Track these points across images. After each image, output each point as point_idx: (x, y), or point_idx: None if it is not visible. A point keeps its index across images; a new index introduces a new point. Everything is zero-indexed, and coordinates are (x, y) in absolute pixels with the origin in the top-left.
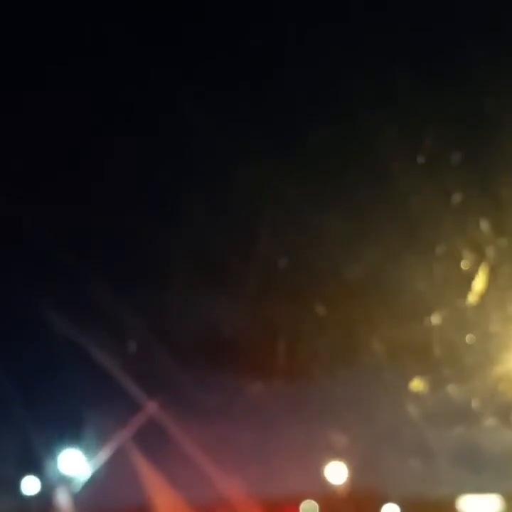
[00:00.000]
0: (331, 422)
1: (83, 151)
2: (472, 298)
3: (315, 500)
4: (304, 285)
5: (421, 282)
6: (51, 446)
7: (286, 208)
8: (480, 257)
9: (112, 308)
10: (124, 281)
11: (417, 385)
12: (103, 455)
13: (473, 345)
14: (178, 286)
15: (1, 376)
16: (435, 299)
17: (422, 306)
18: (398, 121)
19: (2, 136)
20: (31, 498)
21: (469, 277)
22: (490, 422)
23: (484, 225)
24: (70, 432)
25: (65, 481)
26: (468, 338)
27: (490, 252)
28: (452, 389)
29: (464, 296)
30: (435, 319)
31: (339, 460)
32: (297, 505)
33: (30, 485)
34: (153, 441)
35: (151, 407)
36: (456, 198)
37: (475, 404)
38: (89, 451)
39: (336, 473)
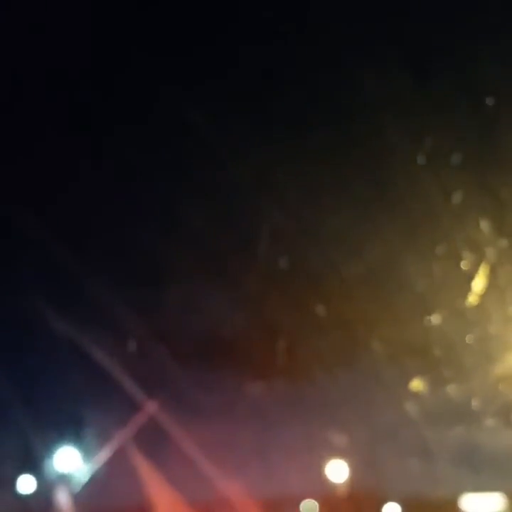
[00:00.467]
0: (331, 421)
1: (83, 151)
2: (472, 298)
3: (315, 499)
4: (304, 285)
5: (421, 282)
6: (50, 445)
7: (286, 208)
8: (480, 257)
9: (112, 308)
10: (124, 281)
11: (417, 384)
12: (103, 455)
13: (473, 345)
14: (179, 287)
15: (1, 375)
16: (435, 299)
17: (422, 306)
18: (398, 122)
19: (1, 136)
20: (28, 496)
21: (469, 277)
22: (490, 421)
23: (484, 225)
24: (70, 431)
25: (64, 479)
26: (468, 338)
27: (490, 252)
28: (452, 389)
29: (464, 296)
30: (435, 319)
31: (340, 459)
32: (297, 504)
33: (26, 484)
34: (153, 442)
35: (151, 407)
36: (456, 198)
37: (475, 404)
38: (89, 450)
39: (337, 472)
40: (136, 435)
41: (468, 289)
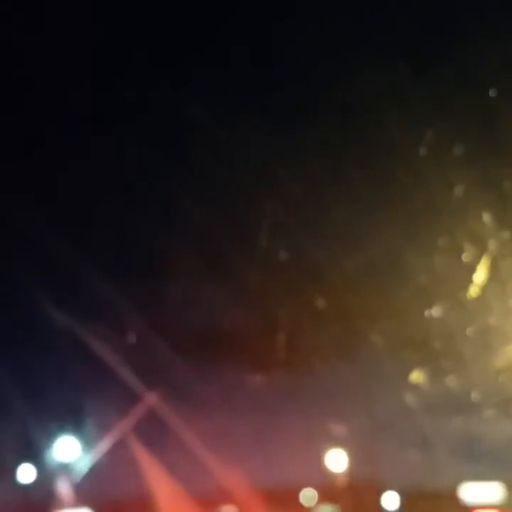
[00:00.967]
0: (331, 412)
1: (84, 147)
2: (473, 290)
3: (315, 488)
4: (304, 278)
5: (422, 274)
6: (50, 435)
7: (286, 201)
8: (481, 250)
9: (113, 300)
10: (124, 273)
11: (417, 376)
12: (103, 445)
13: (474, 337)
14: (179, 279)
15: (1, 366)
16: (436, 291)
17: (422, 298)
18: (400, 114)
19: (4, 134)
20: (28, 486)
21: (470, 270)
22: (489, 412)
23: (486, 218)
24: (70, 422)
25: (64, 469)
26: (469, 330)
27: (491, 244)
28: (452, 380)
29: (465, 288)
30: (436, 311)
31: (339, 449)
32: (297, 494)
33: (26, 473)
34: (153, 432)
35: (151, 398)
36: (458, 190)
37: (475, 395)
38: (89, 440)
39: (336, 462)
40: (136, 426)
41: (469, 281)
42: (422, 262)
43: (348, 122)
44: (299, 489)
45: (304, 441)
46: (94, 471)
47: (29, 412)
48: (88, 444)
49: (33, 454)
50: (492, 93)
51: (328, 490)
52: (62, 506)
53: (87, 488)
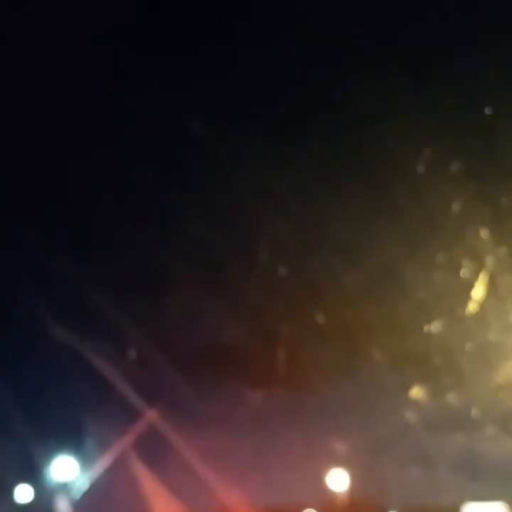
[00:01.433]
0: (331, 430)
1: (83, 159)
2: (472, 306)
3: (316, 508)
4: (304, 294)
5: (421, 291)
6: (50, 454)
7: (286, 217)
8: (479, 266)
9: (113, 317)
10: (124, 290)
11: (417, 392)
12: (103, 463)
13: (473, 353)
14: (179, 295)
15: (2, 384)
16: (435, 307)
17: (422, 314)
18: (398, 131)
19: (5, 145)
20: (26, 506)
21: (469, 286)
22: (490, 429)
23: (484, 234)
24: (69, 440)
25: (63, 488)
26: (468, 346)
27: (489, 260)
28: (452, 397)
29: (464, 304)
30: (435, 327)
31: (340, 468)
32: None
33: (24, 493)
34: (153, 451)
35: (151, 416)
36: (456, 206)
37: (475, 412)
38: (89, 459)
39: (338, 480)
40: (136, 443)
41: (468, 297)
42: (421, 278)
43: (347, 139)
44: (300, 508)
45: (304, 460)
46: (93, 490)
47: (28, 429)
48: (88, 462)
49: (33, 473)
50: (490, 111)
51: (330, 509)
52: None
53: (86, 506)
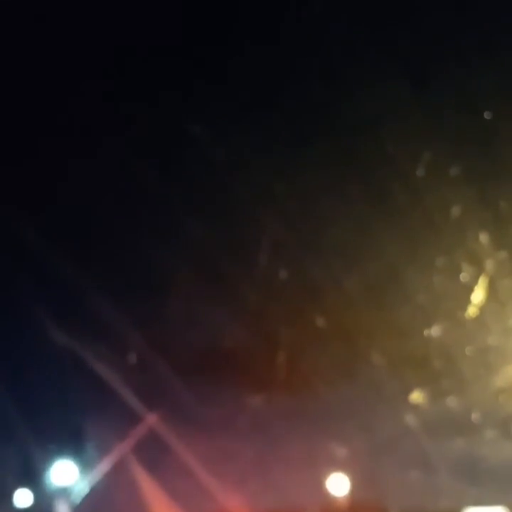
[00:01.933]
0: (331, 434)
1: (84, 163)
2: (472, 310)
3: None
4: (304, 297)
5: (421, 295)
6: (49, 458)
7: (286, 219)
8: (479, 270)
9: (112, 320)
10: (124, 293)
11: (417, 396)
12: (103, 467)
13: (473, 357)
14: (179, 299)
15: (1, 388)
16: (435, 310)
17: (421, 318)
18: (398, 134)
19: (2, 146)
20: (25, 510)
21: (469, 290)
22: (491, 433)
23: (484, 238)
24: (69, 444)
25: (63, 493)
26: (468, 349)
27: (489, 264)
28: (452, 400)
29: (464, 308)
30: (435, 331)
31: (341, 472)
32: None
33: (23, 498)
34: (153, 455)
35: (151, 420)
36: (456, 210)
37: (475, 416)
38: (89, 463)
39: (338, 485)
40: (136, 448)
41: (467, 301)
42: (421, 282)
43: (347, 142)
44: None
45: (304, 464)
46: (93, 494)
47: (28, 433)
48: (87, 466)
49: (32, 477)
50: (489, 115)
51: None
52: None
53: (86, 511)
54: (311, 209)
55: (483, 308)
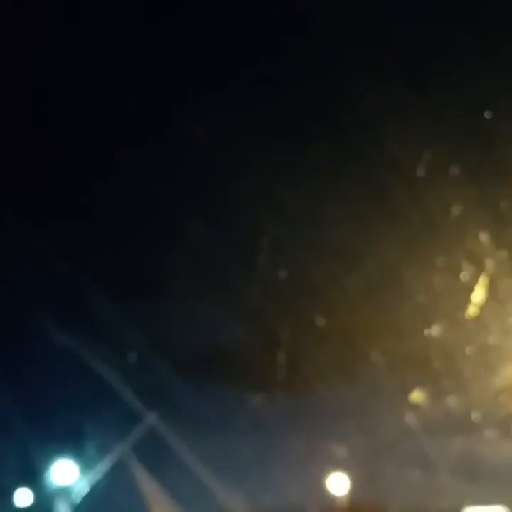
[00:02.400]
0: (331, 433)
1: (84, 163)
2: (472, 310)
3: None
4: (304, 297)
5: (421, 294)
6: (49, 458)
7: (286, 220)
8: (479, 269)
9: (113, 320)
10: (124, 293)
11: (416, 396)
12: (103, 467)
13: (473, 357)
14: (179, 299)
15: (2, 387)
16: (435, 310)
17: (421, 317)
18: (398, 134)
19: (7, 158)
20: (25, 510)
21: (469, 289)
22: (490, 433)
23: (484, 238)
24: (69, 444)
25: (64, 492)
26: (468, 349)
27: (489, 264)
28: (452, 400)
29: (464, 308)
30: (435, 331)
31: (340, 472)
32: None
33: (23, 497)
34: (153, 454)
35: (151, 419)
36: (456, 210)
37: (475, 415)
38: (89, 462)
39: (338, 485)
40: (136, 447)
41: (467, 300)
42: (421, 282)
43: (347, 143)
44: None
45: (304, 463)
46: (93, 493)
47: (28, 433)
48: (88, 465)
49: (32, 476)
50: (489, 114)
51: None
52: None
53: (86, 510)
54: (311, 209)
55: (483, 308)
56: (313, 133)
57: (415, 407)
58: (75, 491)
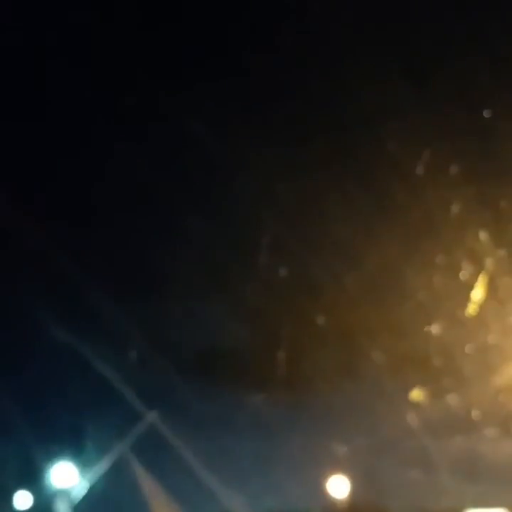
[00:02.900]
0: (332, 432)
1: (83, 160)
2: (471, 308)
3: None
4: (304, 296)
5: (421, 293)
6: (50, 459)
7: (286, 218)
8: (479, 268)
9: (113, 318)
10: (124, 292)
11: (417, 395)
12: (103, 466)
13: (473, 355)
14: (179, 297)
15: (1, 387)
16: (435, 309)
17: (422, 316)
18: (398, 133)
19: (3, 142)
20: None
21: (469, 288)
22: (491, 432)
23: (483, 236)
24: (69, 444)
25: (64, 494)
26: (468, 348)
27: (489, 262)
28: (453, 399)
29: (464, 306)
30: (435, 330)
31: (341, 473)
32: None
33: (22, 499)
34: (153, 453)
35: (152, 418)
36: (455, 208)
37: (476, 414)
38: (89, 462)
39: (338, 487)
40: (137, 447)
41: (467, 299)
42: (421, 280)
43: (347, 141)
44: None
45: (305, 462)
46: (93, 493)
47: (28, 433)
48: (88, 464)
49: (32, 478)
50: (489, 113)
51: None
52: None
53: (86, 510)
54: (311, 207)
55: (483, 307)
56: (312, 131)
57: (416, 406)
58: (75, 491)
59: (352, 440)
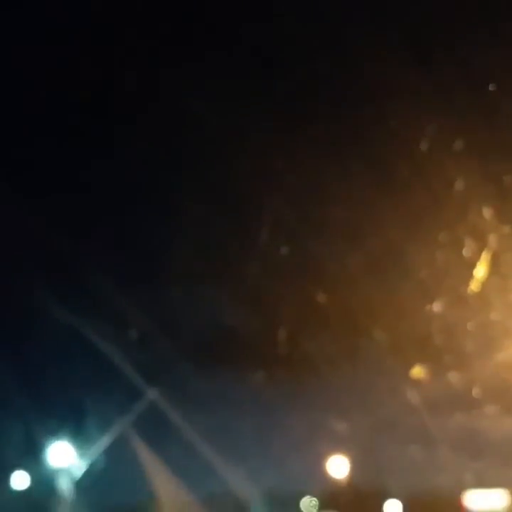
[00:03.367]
0: (332, 411)
1: (86, 145)
2: (474, 285)
3: (316, 494)
4: (305, 275)
5: (423, 270)
6: (50, 436)
7: (287, 197)
8: (482, 245)
9: (114, 298)
10: (126, 272)
11: (417, 372)
12: (104, 443)
13: (475, 333)
14: (180, 277)
15: (4, 367)
16: (437, 286)
17: (423, 294)
18: (400, 109)
19: (7, 135)
20: (22, 492)
21: (471, 265)
22: (491, 408)
23: (486, 213)
24: (70, 420)
25: (64, 471)
26: (470, 325)
27: (492, 239)
28: (454, 376)
29: (466, 283)
30: (437, 307)
31: (341, 452)
32: (297, 497)
33: (20, 479)
34: (154, 430)
35: (153, 396)
36: (459, 185)
37: (476, 391)
38: (90, 439)
39: (338, 467)
40: (138, 424)
41: (470, 276)
42: (423, 257)
43: (349, 118)
44: (299, 495)
45: (305, 441)
46: (94, 469)
47: (29, 410)
48: (89, 441)
49: (32, 456)
50: (492, 88)
51: (330, 496)
52: (62, 506)
53: (88, 486)
54: (312, 185)
55: (485, 284)
56: (314, 108)
57: (416, 384)
58: (75, 467)
59: (352, 418)
